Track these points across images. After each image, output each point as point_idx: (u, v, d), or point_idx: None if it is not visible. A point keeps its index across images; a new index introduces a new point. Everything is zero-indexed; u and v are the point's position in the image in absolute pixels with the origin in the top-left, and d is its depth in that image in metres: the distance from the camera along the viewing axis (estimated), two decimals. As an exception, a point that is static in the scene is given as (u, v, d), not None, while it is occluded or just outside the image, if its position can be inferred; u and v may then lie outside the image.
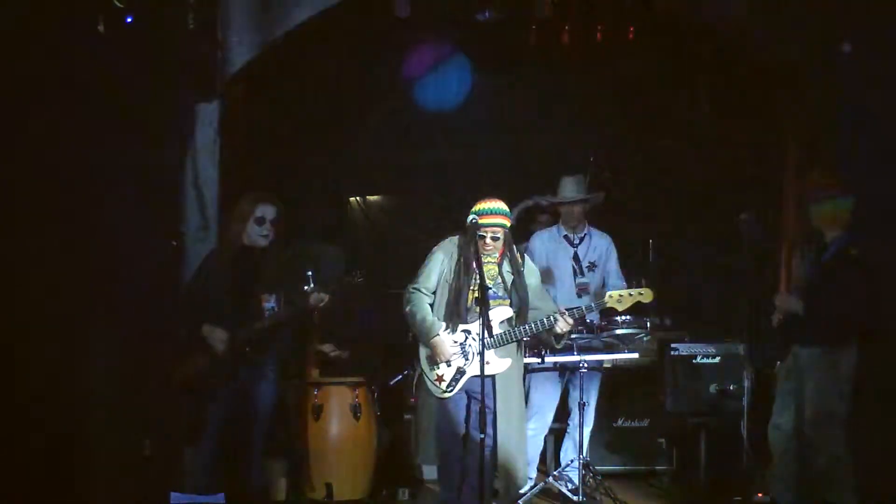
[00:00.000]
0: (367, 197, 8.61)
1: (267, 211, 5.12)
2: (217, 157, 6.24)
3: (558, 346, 5.04)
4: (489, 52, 7.46)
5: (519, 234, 6.46)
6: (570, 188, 6.07)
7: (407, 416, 6.21)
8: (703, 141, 7.75)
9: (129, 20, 5.26)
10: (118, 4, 5.11)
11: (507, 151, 8.04)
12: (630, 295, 4.88)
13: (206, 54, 5.94)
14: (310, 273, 5.07)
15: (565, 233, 6.12)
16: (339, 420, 5.39)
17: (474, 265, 4.79)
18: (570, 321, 4.80)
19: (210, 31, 5.97)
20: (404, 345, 5.77)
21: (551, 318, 4.80)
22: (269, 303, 5.11)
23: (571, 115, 7.91)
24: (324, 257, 6.32)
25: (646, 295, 4.89)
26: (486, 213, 4.80)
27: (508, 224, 4.87)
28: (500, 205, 4.84)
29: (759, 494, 5.56)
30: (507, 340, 4.81)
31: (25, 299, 4.75)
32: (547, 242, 6.14)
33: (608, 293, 4.94)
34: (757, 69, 6.60)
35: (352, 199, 8.56)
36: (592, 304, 5.05)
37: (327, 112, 7.79)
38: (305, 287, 5.05)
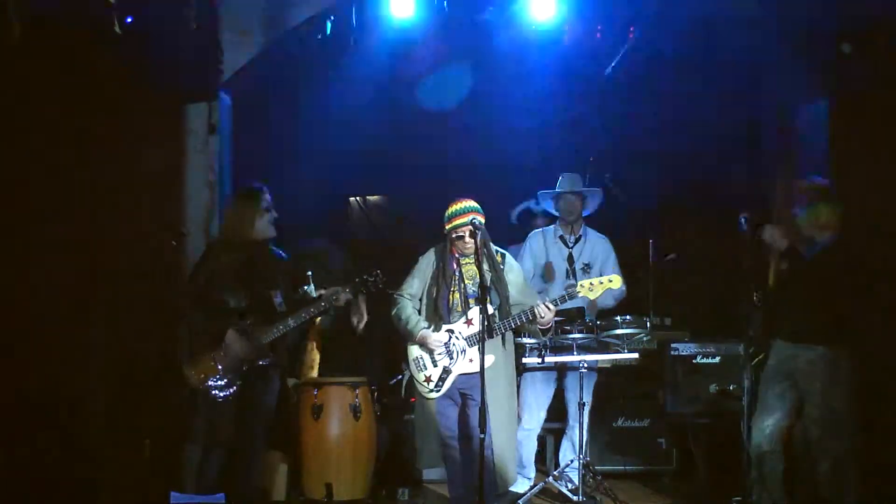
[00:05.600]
0: (367, 197, 8.61)
1: (270, 198, 5.09)
2: (217, 157, 6.24)
3: (545, 337, 5.28)
4: (489, 52, 7.45)
5: (521, 235, 6.47)
6: (567, 182, 6.10)
7: (407, 417, 6.21)
8: (704, 140, 7.74)
9: (129, 20, 5.26)
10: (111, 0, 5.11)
11: (506, 151, 8.03)
12: (601, 283, 4.98)
13: (207, 54, 5.94)
14: (309, 273, 5.07)
15: (561, 233, 6.12)
16: (339, 420, 5.39)
17: (454, 266, 4.95)
18: (549, 310, 4.85)
19: (210, 31, 5.97)
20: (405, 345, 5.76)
21: (530, 310, 4.86)
22: (277, 298, 5.02)
23: (572, 116, 7.89)
24: (324, 256, 6.31)
25: (615, 281, 5.01)
26: (455, 215, 4.93)
27: (479, 217, 4.89)
28: (468, 203, 4.95)
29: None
30: (489, 335, 4.77)
31: (26, 299, 4.76)
32: (542, 241, 6.15)
33: (580, 282, 5.02)
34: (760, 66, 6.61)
35: (352, 199, 8.56)
36: (565, 293, 5.01)
37: (327, 111, 7.77)
38: (304, 287, 5.04)
